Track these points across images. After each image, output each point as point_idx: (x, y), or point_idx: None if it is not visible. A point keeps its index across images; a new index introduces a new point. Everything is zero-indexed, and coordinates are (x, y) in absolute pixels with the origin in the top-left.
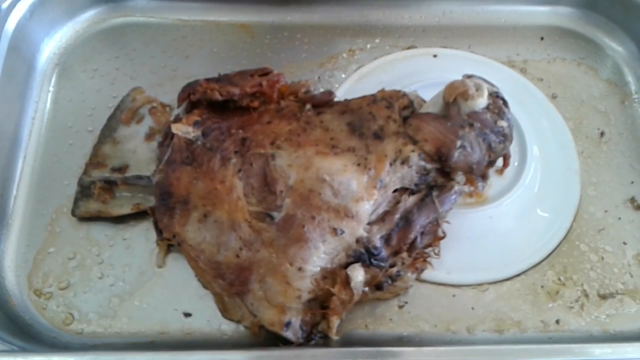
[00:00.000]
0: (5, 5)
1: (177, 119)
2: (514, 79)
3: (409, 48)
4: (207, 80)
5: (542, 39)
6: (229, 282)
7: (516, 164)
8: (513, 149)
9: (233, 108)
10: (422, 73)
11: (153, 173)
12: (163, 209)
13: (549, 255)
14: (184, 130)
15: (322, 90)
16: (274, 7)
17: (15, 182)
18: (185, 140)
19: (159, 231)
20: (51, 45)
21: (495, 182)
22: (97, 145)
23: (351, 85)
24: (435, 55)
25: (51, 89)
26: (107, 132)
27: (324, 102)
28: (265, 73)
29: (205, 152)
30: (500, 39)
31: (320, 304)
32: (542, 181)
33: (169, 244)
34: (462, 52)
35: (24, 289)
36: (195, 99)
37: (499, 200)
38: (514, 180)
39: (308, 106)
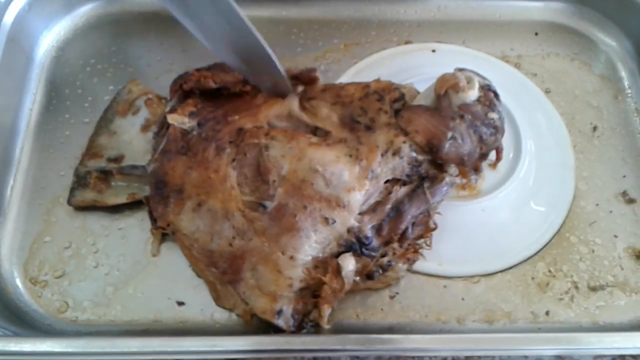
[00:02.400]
0: None
1: (173, 110)
2: (510, 74)
3: (405, 43)
4: (198, 70)
5: (536, 34)
6: (221, 271)
7: (511, 155)
8: (507, 142)
9: (226, 95)
10: (420, 67)
11: (148, 163)
12: (158, 198)
13: (541, 249)
14: (179, 120)
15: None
16: (270, 2)
17: (12, 172)
18: (181, 131)
19: (154, 220)
20: (49, 38)
21: (489, 175)
22: (94, 136)
23: (349, 79)
24: (433, 50)
25: (49, 81)
26: (104, 123)
27: (309, 79)
28: None
29: (201, 141)
30: (494, 34)
31: (311, 293)
32: (536, 175)
33: (164, 232)
34: (460, 47)
35: (20, 277)
36: (188, 88)
37: (492, 193)
38: (508, 173)
39: (300, 88)
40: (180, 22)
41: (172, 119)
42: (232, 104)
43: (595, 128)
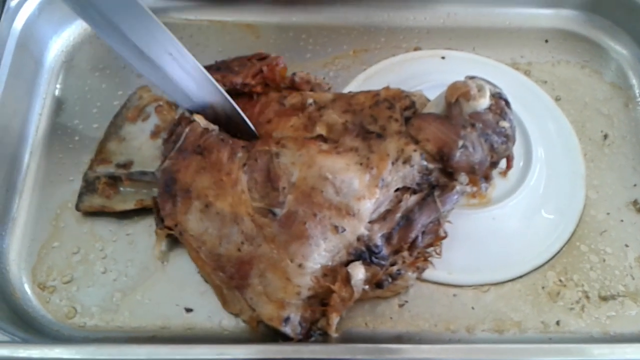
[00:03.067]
0: (14, 3)
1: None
2: (520, 81)
3: (414, 50)
4: (206, 67)
5: (546, 41)
6: (229, 275)
7: (521, 164)
8: (518, 150)
9: (236, 94)
10: (429, 74)
11: (157, 169)
12: (166, 196)
13: (552, 258)
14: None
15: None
16: (280, 8)
17: (21, 177)
18: (202, 130)
19: (160, 219)
20: (59, 43)
21: (499, 183)
22: (103, 141)
23: (358, 85)
24: (443, 57)
25: (58, 86)
26: (113, 129)
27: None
28: (262, 57)
29: (217, 142)
30: (504, 42)
31: (320, 301)
32: (547, 183)
33: (169, 233)
34: (470, 54)
35: (28, 283)
36: None
37: (503, 202)
38: (519, 181)
39: (310, 100)
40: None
41: (199, 117)
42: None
43: (605, 136)
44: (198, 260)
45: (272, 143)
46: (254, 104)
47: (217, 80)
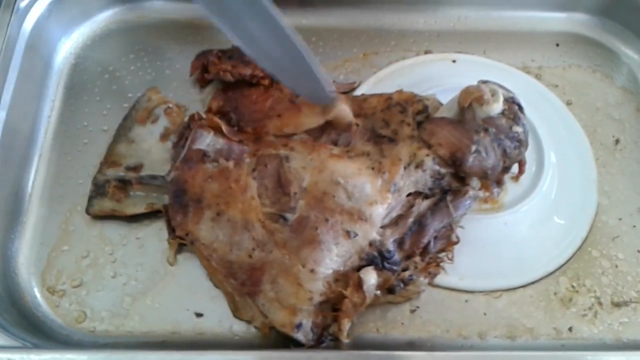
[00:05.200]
0: (23, 4)
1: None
2: (531, 85)
3: (425, 53)
4: (221, 51)
5: (557, 45)
6: (240, 282)
7: (533, 169)
8: (530, 155)
9: (244, 83)
10: (441, 78)
11: (167, 173)
12: (176, 207)
13: (564, 264)
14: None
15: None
16: (289, 10)
17: (30, 180)
18: (205, 135)
19: (172, 229)
20: (68, 45)
21: (511, 188)
22: (112, 144)
23: (369, 88)
24: (454, 61)
25: (67, 87)
26: (122, 132)
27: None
28: None
29: (221, 148)
30: (515, 45)
31: (331, 307)
32: (558, 188)
33: (181, 242)
34: (481, 58)
35: (38, 287)
36: (209, 79)
37: (515, 207)
38: (531, 187)
39: None
40: (220, 28)
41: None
42: (252, 106)
43: (617, 141)
44: (209, 268)
45: (280, 145)
46: (266, 98)
47: (226, 70)
